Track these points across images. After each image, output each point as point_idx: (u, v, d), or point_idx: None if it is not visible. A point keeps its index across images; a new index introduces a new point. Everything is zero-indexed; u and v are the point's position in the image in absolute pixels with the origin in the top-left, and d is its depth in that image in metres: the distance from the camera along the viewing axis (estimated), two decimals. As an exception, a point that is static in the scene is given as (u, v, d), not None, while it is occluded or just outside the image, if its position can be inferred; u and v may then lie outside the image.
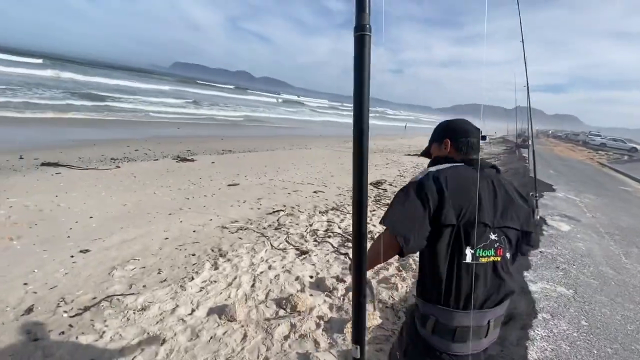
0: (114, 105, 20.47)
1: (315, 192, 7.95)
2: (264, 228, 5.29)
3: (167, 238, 4.77)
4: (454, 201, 1.00)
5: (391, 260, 4.14)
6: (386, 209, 1.07)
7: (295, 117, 34.14)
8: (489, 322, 1.05)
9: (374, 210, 6.36)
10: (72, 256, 4.07)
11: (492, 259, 1.04)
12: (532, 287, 2.67)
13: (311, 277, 3.73)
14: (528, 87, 4.30)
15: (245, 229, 5.21)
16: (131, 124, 17.80)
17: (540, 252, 3.42)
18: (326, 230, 5.16)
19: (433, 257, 1.03)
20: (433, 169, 1.10)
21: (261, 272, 3.80)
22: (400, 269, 3.89)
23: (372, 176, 10.18)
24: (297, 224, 5.50)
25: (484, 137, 1.19)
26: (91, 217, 5.65)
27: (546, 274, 2.88)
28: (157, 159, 10.93)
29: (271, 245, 4.57)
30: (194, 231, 5.11)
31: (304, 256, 4.23)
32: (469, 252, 1.00)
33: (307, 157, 13.82)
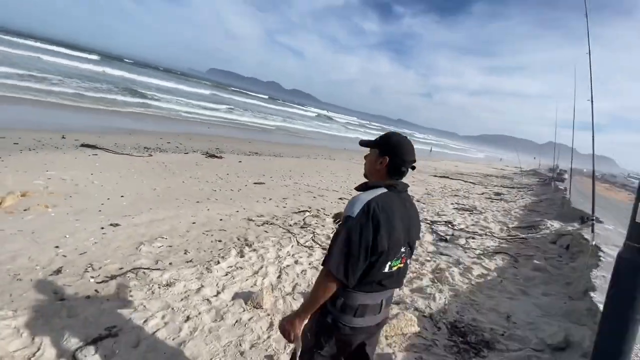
0: (152, 102, 21.41)
1: (340, 198, 7.79)
2: (290, 225, 5.16)
3: (194, 223, 4.72)
4: (386, 231, 1.17)
5: (427, 270, 3.88)
6: (328, 249, 1.20)
7: (326, 131, 34.42)
8: (382, 300, 1.29)
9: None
10: (102, 228, 4.08)
11: (398, 266, 1.28)
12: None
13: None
14: (593, 126, 3.99)
15: (271, 224, 5.10)
16: (166, 119, 18.48)
17: (604, 276, 3.07)
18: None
19: (365, 271, 1.21)
20: (365, 198, 1.20)
21: (287, 266, 3.65)
22: (435, 280, 3.62)
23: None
24: (323, 226, 5.34)
25: (413, 167, 1.36)
26: (122, 196, 5.74)
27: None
28: (187, 153, 11.18)
29: (297, 241, 4.42)
30: (221, 220, 5.05)
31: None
32: (388, 265, 1.23)
33: (331, 167, 13.73)
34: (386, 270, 1.23)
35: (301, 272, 3.54)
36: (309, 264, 3.79)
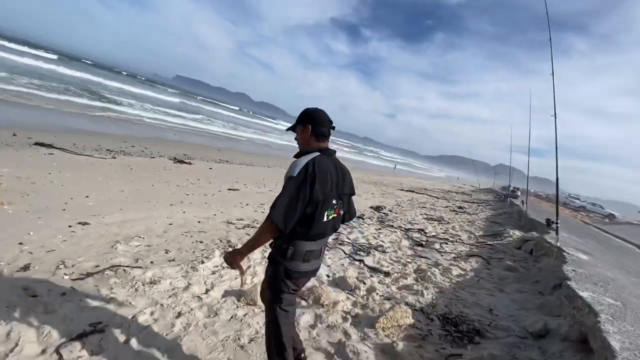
0: (114, 106, 20.23)
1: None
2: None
3: (171, 224, 4.48)
4: (320, 185, 1.40)
5: (409, 270, 4.01)
6: (275, 200, 1.41)
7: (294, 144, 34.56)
8: (321, 247, 1.55)
9: (379, 229, 6.25)
10: (70, 226, 3.74)
11: (333, 216, 1.51)
12: (582, 294, 2.60)
13: (328, 275, 3.53)
14: (557, 142, 4.42)
15: (253, 227, 4.98)
16: (129, 123, 17.48)
17: (574, 270, 3.38)
18: (335, 239, 4.99)
19: (305, 219, 1.43)
20: (303, 161, 1.44)
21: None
22: (419, 279, 3.75)
23: (371, 202, 10.16)
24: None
25: (333, 127, 1.58)
26: (87, 197, 5.30)
27: (589, 287, 2.83)
28: (153, 157, 10.65)
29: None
30: (199, 222, 4.84)
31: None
32: (324, 215, 1.46)
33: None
34: (324, 219, 1.47)
35: (290, 272, 3.49)
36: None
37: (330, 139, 1.62)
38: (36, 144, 8.52)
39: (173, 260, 3.30)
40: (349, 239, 5.19)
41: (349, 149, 62.16)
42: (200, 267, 3.16)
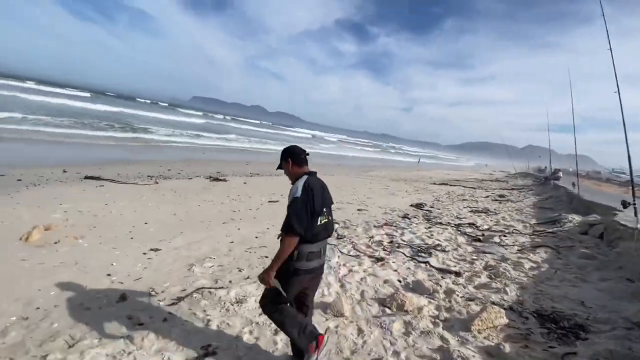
0: (143, 135, 21.20)
1: (359, 209, 7.79)
2: (326, 237, 5.12)
3: (232, 242, 4.61)
4: (315, 199, 1.81)
5: (479, 268, 3.90)
6: (286, 219, 1.80)
7: (320, 150, 34.68)
8: (321, 249, 1.90)
9: (429, 227, 6.14)
10: (144, 253, 3.93)
11: (324, 221, 1.88)
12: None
13: (399, 281, 3.49)
14: (624, 118, 4.12)
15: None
16: (160, 148, 18.25)
17: None
18: (391, 242, 4.95)
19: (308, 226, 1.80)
20: (300, 183, 1.85)
21: (344, 275, 3.59)
22: (493, 276, 3.63)
23: (408, 199, 10.01)
24: (357, 236, 5.30)
25: (307, 154, 2.02)
26: (146, 223, 5.57)
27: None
28: (190, 178, 11.02)
29: (340, 251, 4.37)
30: (257, 237, 4.95)
31: (380, 263, 4.01)
32: (318, 220, 1.84)
33: (334, 182, 13.77)
34: (318, 224, 1.83)
35: (361, 280, 3.49)
36: (364, 271, 3.75)
37: (309, 164, 2.04)
38: (86, 177, 9.07)
39: (248, 277, 3.39)
40: (404, 240, 5.13)
41: (372, 148, 61.48)
42: (275, 283, 3.22)
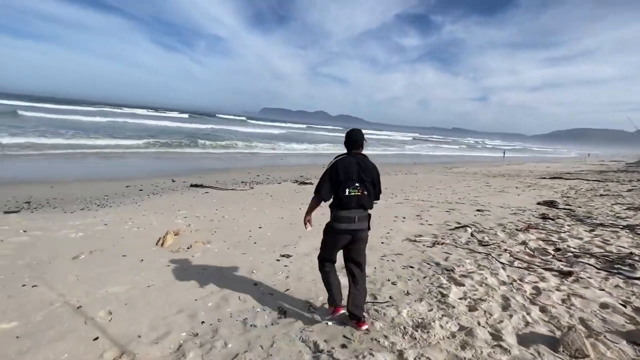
0: (230, 147, 22.80)
1: (478, 210, 6.71)
2: (465, 244, 4.29)
3: (360, 248, 4.12)
4: (341, 170, 2.19)
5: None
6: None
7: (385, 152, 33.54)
8: (355, 216, 2.22)
9: (592, 230, 4.84)
10: (277, 260, 3.66)
11: (356, 194, 2.20)
12: None
13: (623, 304, 2.53)
14: None
15: (442, 244, 4.28)
16: (245, 156, 19.28)
17: None
18: (558, 250, 3.90)
19: (335, 193, 2.20)
20: (334, 159, 2.28)
21: (534, 294, 2.75)
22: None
23: (528, 197, 8.48)
24: (503, 241, 4.37)
25: (360, 140, 2.31)
26: (260, 227, 5.46)
27: None
28: (279, 183, 11.11)
29: (499, 261, 3.52)
30: (382, 242, 4.38)
31: (571, 278, 3.06)
32: (347, 190, 2.18)
33: (423, 181, 12.65)
34: (346, 193, 2.17)
35: (563, 302, 2.62)
36: (557, 289, 2.86)
37: (365, 146, 2.35)
38: (192, 185, 9.70)
39: (407, 293, 2.80)
40: (572, 247, 4.02)
41: (447, 145, 56.83)
42: (450, 303, 2.56)
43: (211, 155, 18.43)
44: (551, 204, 7.10)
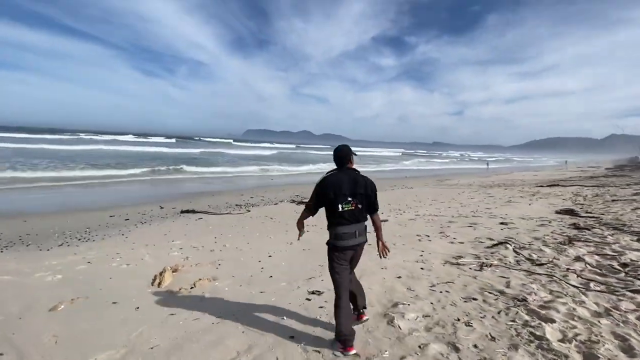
0: (214, 168, 21.97)
1: (503, 223, 6.25)
2: (516, 264, 3.75)
3: (399, 277, 3.49)
4: (329, 186, 2.19)
5: None
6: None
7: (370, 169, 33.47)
8: (355, 231, 2.23)
9: (613, 234, 4.43)
10: (307, 299, 3.00)
11: (350, 208, 2.19)
12: None
13: None
14: None
15: (491, 265, 3.72)
16: (232, 179, 18.47)
17: None
18: (624, 265, 3.42)
19: (328, 210, 2.23)
20: (324, 175, 2.32)
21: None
22: None
23: (541, 206, 8.15)
24: (555, 258, 3.87)
25: (348, 156, 2.33)
26: (270, 256, 4.77)
27: None
28: (276, 203, 10.43)
29: (569, 284, 2.98)
30: (422, 268, 3.78)
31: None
32: (339, 206, 2.18)
33: (422, 195, 12.28)
34: (340, 209, 2.18)
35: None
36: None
37: (354, 160, 2.38)
38: (182, 212, 8.88)
39: (493, 338, 2.19)
40: (632, 260, 3.55)
41: (438, 159, 57.10)
42: (554, 346, 1.97)
43: (199, 179, 17.54)
44: (572, 212, 6.76)
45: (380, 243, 2.34)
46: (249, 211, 8.94)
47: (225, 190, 13.68)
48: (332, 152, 2.36)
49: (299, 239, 2.67)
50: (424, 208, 8.94)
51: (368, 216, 2.28)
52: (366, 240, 2.31)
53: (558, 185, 13.53)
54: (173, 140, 55.56)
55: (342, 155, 2.27)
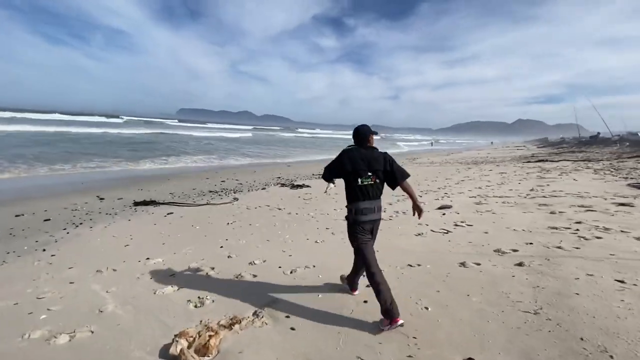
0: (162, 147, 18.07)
1: (581, 205, 5.07)
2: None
3: (469, 296, 1.88)
4: (347, 161, 2.22)
5: None
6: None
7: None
8: (374, 207, 2.25)
9: None
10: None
11: (369, 183, 2.22)
12: None
13: None
14: None
15: (542, 266, 2.30)
16: (177, 162, 15.17)
17: None
18: None
19: (348, 185, 2.23)
20: (347, 148, 2.32)
21: None
22: None
23: (589, 182, 7.34)
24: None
25: (375, 133, 2.35)
26: (313, 266, 2.82)
27: None
28: (264, 188, 8.20)
29: None
30: (478, 264, 2.23)
31: None
32: (359, 180, 2.20)
33: (427, 174, 11.10)
34: (359, 183, 2.19)
35: None
36: None
37: (376, 137, 2.38)
38: (136, 204, 6.16)
39: None
40: None
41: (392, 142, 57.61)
42: None
43: (138, 157, 13.95)
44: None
45: (415, 204, 2.30)
46: (236, 199, 6.60)
47: (182, 175, 10.73)
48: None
49: (325, 192, 2.60)
50: (457, 188, 7.56)
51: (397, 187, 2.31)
52: (381, 218, 2.36)
53: (546, 160, 13.50)
54: (93, 118, 46.08)
55: (362, 133, 2.32)
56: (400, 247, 3.45)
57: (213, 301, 2.42)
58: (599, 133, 27.05)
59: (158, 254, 3.45)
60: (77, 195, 6.70)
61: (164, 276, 2.87)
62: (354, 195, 2.18)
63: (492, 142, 73.14)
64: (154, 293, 2.55)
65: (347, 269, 2.62)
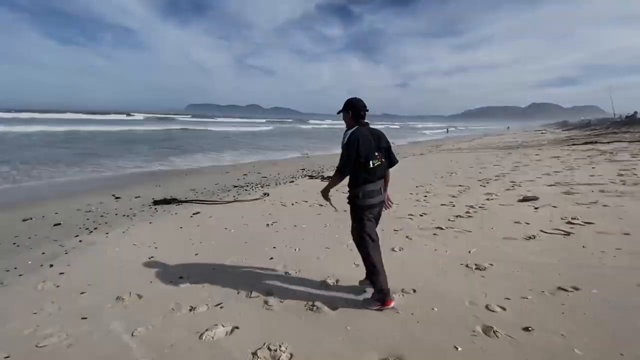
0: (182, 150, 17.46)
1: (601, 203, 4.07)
2: None
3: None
4: (362, 146, 2.04)
5: None
6: (338, 163, 2.10)
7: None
8: (380, 187, 2.15)
9: None
10: None
11: (377, 162, 2.11)
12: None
13: None
14: None
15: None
16: (196, 158, 14.50)
17: None
18: None
19: (358, 168, 2.05)
20: (348, 134, 2.09)
21: None
22: None
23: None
24: None
25: (367, 110, 2.20)
26: (414, 291, 1.97)
27: None
28: (292, 181, 7.43)
29: None
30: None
31: None
32: (371, 162, 2.07)
33: (465, 161, 10.10)
34: (370, 166, 2.07)
35: None
36: None
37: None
38: (156, 202, 5.46)
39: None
40: None
41: (409, 130, 56.27)
42: None
43: (148, 151, 13.33)
44: None
45: (386, 195, 2.24)
46: (267, 194, 5.83)
47: (200, 169, 10.03)
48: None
49: (336, 210, 2.46)
50: (518, 175, 6.60)
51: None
52: (384, 198, 2.27)
53: (596, 142, 12.29)
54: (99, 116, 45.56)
55: (362, 106, 2.16)
56: (519, 260, 2.55)
57: (292, 356, 1.60)
58: (635, 112, 26.63)
59: (192, 270, 2.69)
60: (91, 195, 6.04)
61: (209, 307, 2.09)
62: (361, 178, 2.07)
63: (508, 127, 70.66)
64: (200, 338, 1.77)
65: (465, 294, 1.77)
